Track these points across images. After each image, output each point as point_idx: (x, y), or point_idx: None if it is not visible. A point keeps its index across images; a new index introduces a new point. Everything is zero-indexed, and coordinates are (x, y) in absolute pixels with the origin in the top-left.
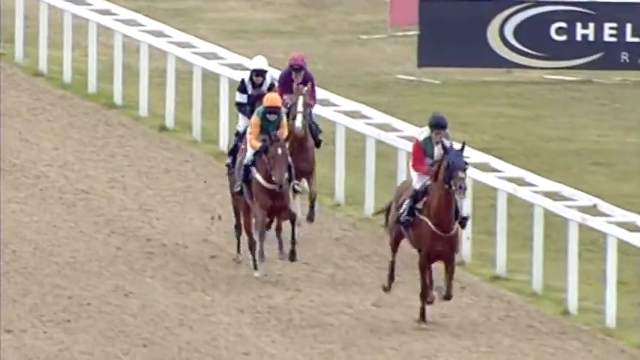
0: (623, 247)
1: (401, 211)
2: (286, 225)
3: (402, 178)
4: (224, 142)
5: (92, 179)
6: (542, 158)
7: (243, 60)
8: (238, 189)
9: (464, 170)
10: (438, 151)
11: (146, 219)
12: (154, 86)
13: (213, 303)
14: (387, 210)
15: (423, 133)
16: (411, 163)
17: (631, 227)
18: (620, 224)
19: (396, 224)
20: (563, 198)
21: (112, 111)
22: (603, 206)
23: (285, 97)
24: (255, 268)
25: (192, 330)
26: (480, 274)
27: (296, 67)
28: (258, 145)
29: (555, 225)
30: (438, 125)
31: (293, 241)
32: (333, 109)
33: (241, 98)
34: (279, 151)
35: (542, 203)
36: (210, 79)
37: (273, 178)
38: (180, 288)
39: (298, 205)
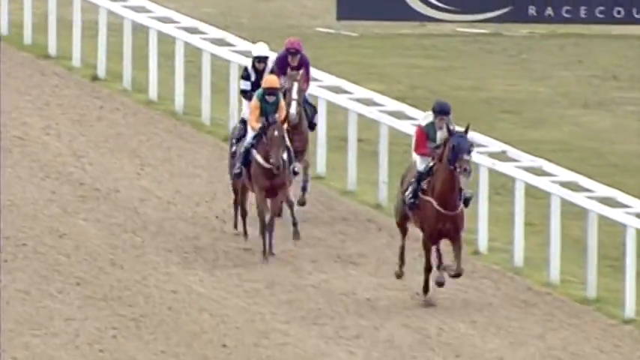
0: (531, 190)
1: (406, 193)
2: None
3: (319, 124)
4: (153, 91)
5: (28, 126)
6: (454, 107)
7: (170, 13)
8: (238, 171)
9: (469, 153)
10: (441, 135)
11: (79, 164)
12: (87, 38)
13: (143, 244)
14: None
15: (426, 118)
16: (413, 147)
17: (538, 172)
18: (528, 169)
19: (402, 207)
20: (475, 144)
21: (46, 61)
22: (512, 152)
23: (281, 79)
24: (265, 251)
25: (124, 269)
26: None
27: (292, 51)
28: (257, 126)
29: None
30: (441, 111)
31: (294, 222)
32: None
33: (245, 85)
34: (276, 133)
35: None
36: (140, 31)
37: (271, 160)
38: (112, 229)
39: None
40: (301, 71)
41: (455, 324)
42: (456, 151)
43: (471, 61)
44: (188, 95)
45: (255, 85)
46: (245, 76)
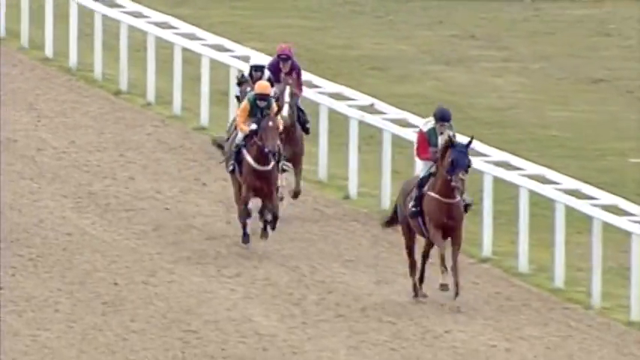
0: (397, 140)
1: (410, 203)
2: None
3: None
4: (49, 49)
5: None
6: (327, 64)
7: None
8: (231, 168)
9: (466, 170)
10: (442, 139)
11: None
12: None
13: (40, 190)
14: (394, 213)
15: (427, 123)
16: (415, 152)
17: (403, 123)
18: (394, 121)
19: (403, 217)
20: (345, 98)
21: None
22: (380, 105)
23: (275, 86)
24: (244, 236)
25: (22, 213)
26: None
27: (283, 57)
28: (246, 128)
29: (338, 121)
30: (442, 118)
31: (267, 220)
32: (144, 20)
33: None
34: (270, 122)
35: (325, 102)
36: None
37: (266, 149)
38: (11, 177)
39: (285, 182)
40: (293, 76)
41: (327, 263)
42: (454, 166)
43: (342, 21)
44: (81, 53)
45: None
46: (240, 83)
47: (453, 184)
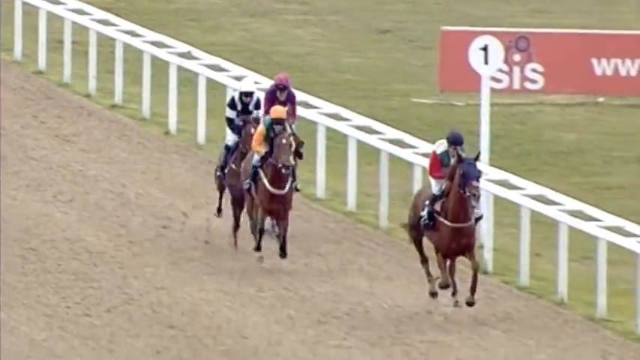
0: (211, 83)
1: (422, 214)
2: None
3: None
4: None
5: None
6: (149, 16)
7: None
8: (247, 187)
9: (477, 179)
10: (454, 161)
11: None
12: None
13: None
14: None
15: (440, 146)
16: (428, 170)
17: (217, 68)
18: (209, 66)
19: (414, 228)
20: (166, 46)
21: None
22: (196, 53)
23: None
24: (258, 249)
25: None
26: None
27: (281, 87)
28: (262, 150)
29: (160, 67)
30: (455, 142)
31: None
32: None
33: (231, 114)
34: (284, 140)
35: (148, 50)
36: None
37: (280, 165)
38: None
39: None
40: (288, 106)
41: (150, 190)
42: (466, 177)
43: None
44: None
45: (239, 114)
46: (231, 105)
47: (467, 193)
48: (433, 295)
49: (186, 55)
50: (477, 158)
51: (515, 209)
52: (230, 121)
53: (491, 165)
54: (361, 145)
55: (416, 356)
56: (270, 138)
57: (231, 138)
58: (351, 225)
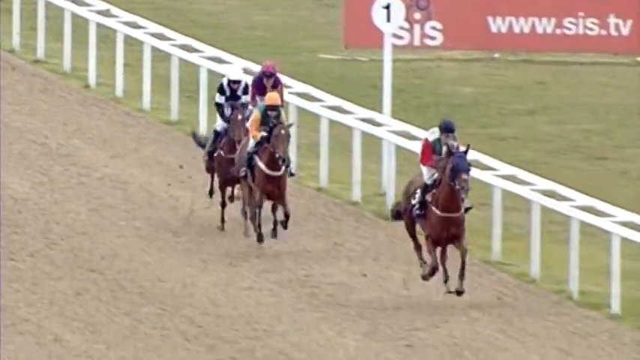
0: (129, 40)
1: (413, 202)
2: None
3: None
4: None
5: None
6: None
7: None
8: (243, 174)
9: (467, 172)
10: (445, 149)
11: None
12: None
13: None
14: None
15: (433, 134)
16: (420, 158)
17: (134, 26)
18: (126, 23)
19: (407, 216)
20: (85, 5)
21: None
22: (114, 10)
23: (257, 98)
24: (259, 238)
25: None
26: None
27: (268, 74)
28: (258, 135)
29: (79, 25)
30: (447, 129)
31: (276, 221)
32: None
33: (220, 99)
34: (282, 131)
35: (69, 7)
36: None
37: (277, 155)
38: None
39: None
40: (278, 90)
41: (71, 140)
42: (456, 170)
43: None
44: None
45: (228, 99)
46: (220, 91)
47: (457, 186)
48: (425, 278)
49: (105, 13)
50: (466, 151)
51: (415, 158)
52: (219, 106)
53: (393, 117)
54: None
55: (323, 297)
56: (266, 124)
57: (219, 123)
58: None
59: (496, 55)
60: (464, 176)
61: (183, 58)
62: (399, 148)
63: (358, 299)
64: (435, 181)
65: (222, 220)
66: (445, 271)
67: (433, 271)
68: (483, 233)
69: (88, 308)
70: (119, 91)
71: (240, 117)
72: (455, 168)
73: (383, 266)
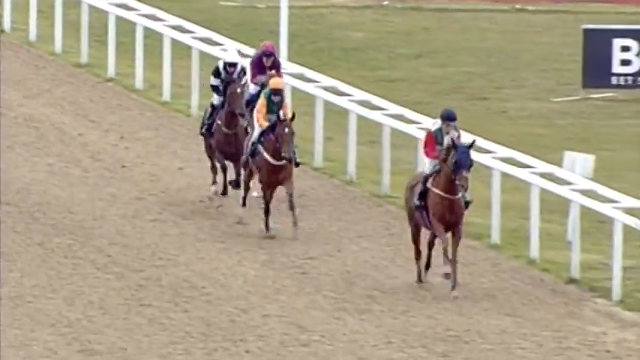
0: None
1: (414, 196)
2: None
3: None
4: None
5: None
6: None
7: None
8: (245, 160)
9: (468, 169)
10: (447, 140)
11: None
12: None
13: None
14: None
15: (435, 124)
16: (423, 150)
17: None
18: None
19: (412, 221)
20: None
21: None
22: None
23: (257, 77)
24: (266, 227)
25: None
26: None
27: (267, 54)
28: (265, 123)
29: None
30: (448, 118)
31: (292, 208)
32: None
33: (215, 82)
34: (286, 130)
35: None
36: None
37: (283, 154)
38: None
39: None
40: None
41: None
42: (457, 166)
43: None
44: None
45: (223, 83)
46: (215, 74)
47: (457, 182)
48: (420, 280)
49: None
50: (471, 146)
51: (310, 99)
52: (214, 88)
53: (290, 61)
54: (175, 43)
55: (224, 228)
56: (270, 111)
57: (216, 97)
58: (166, 114)
59: (385, 3)
60: (464, 173)
61: (92, 5)
62: (295, 90)
63: (257, 230)
64: (435, 172)
65: (225, 192)
66: (429, 257)
67: (446, 251)
68: (373, 169)
69: (4, 239)
70: (32, 35)
71: (238, 90)
72: (457, 163)
73: (280, 200)
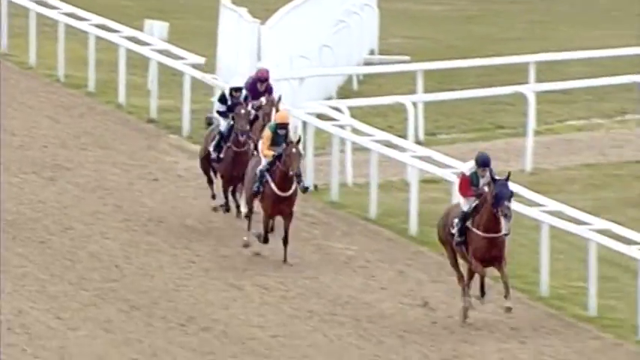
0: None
1: (453, 232)
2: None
3: None
4: None
5: None
6: None
7: None
8: (255, 190)
9: (509, 199)
10: (483, 181)
11: None
12: None
13: None
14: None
15: (470, 169)
16: (458, 190)
17: None
18: None
19: (448, 243)
20: None
21: None
22: None
23: (251, 102)
24: (261, 240)
25: None
26: None
27: (262, 79)
28: (270, 153)
29: None
30: (483, 164)
31: (286, 242)
32: None
33: (221, 108)
34: (294, 150)
35: None
36: None
37: (290, 173)
38: None
39: None
40: (273, 96)
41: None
42: (499, 198)
43: None
44: None
45: (229, 109)
46: (222, 100)
47: (499, 214)
48: (466, 310)
49: None
50: (507, 178)
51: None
52: (220, 113)
53: None
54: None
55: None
56: (276, 143)
57: (223, 123)
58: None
59: None
60: (506, 204)
61: None
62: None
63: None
64: (473, 208)
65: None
66: (482, 286)
67: (482, 286)
68: None
69: None
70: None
71: (243, 111)
72: (498, 195)
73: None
